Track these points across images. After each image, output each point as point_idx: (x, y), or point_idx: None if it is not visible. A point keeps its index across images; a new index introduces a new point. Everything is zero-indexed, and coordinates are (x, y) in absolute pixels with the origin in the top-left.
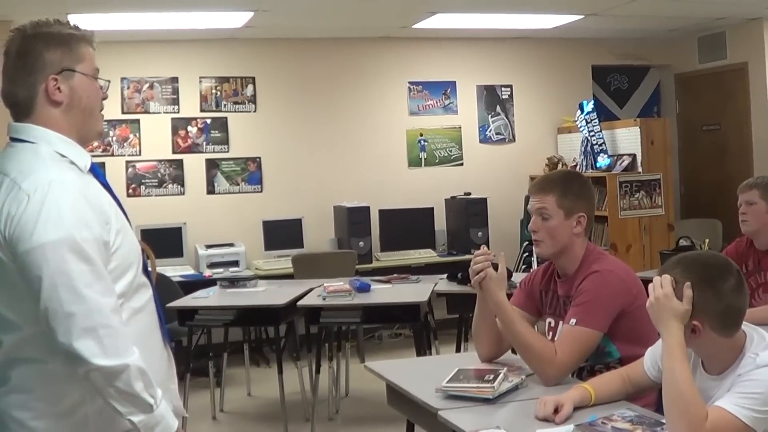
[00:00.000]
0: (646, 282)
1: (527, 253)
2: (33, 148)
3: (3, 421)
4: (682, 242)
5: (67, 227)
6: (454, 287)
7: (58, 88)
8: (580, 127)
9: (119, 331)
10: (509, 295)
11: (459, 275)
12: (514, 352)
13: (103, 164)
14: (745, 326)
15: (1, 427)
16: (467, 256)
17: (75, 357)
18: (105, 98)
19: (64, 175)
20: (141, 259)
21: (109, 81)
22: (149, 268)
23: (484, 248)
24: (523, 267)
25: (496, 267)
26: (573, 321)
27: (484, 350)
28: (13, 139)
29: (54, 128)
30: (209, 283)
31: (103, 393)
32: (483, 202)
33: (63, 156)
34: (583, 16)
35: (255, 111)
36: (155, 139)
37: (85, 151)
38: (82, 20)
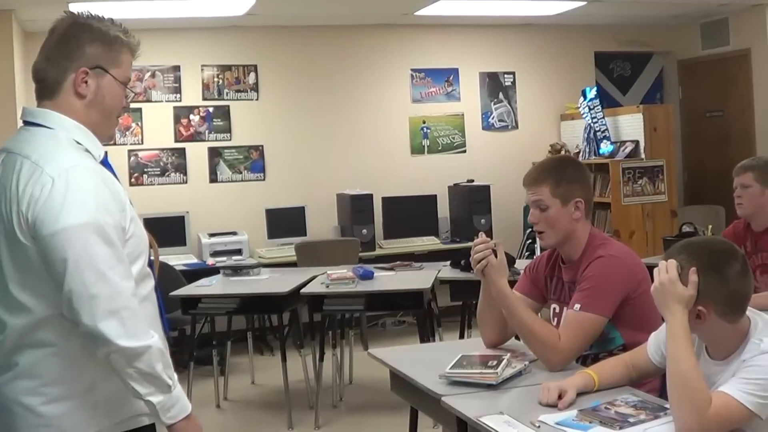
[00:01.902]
0: (650, 268)
1: (530, 240)
2: (51, 133)
3: (9, 408)
4: (685, 228)
5: (91, 211)
6: (458, 274)
7: (86, 82)
8: (583, 113)
9: (139, 314)
10: (513, 282)
11: (462, 262)
12: (518, 338)
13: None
14: (750, 312)
15: (7, 414)
16: (470, 243)
17: (99, 338)
18: (127, 107)
19: (86, 161)
20: (148, 250)
21: (135, 93)
22: (152, 258)
23: (482, 236)
24: (527, 254)
25: (496, 255)
26: (577, 306)
27: (489, 336)
28: (28, 123)
29: (72, 117)
30: (212, 271)
31: (123, 374)
32: (486, 189)
33: (79, 144)
34: (585, 3)
35: (257, 99)
36: (157, 127)
37: (99, 142)
38: (84, 9)
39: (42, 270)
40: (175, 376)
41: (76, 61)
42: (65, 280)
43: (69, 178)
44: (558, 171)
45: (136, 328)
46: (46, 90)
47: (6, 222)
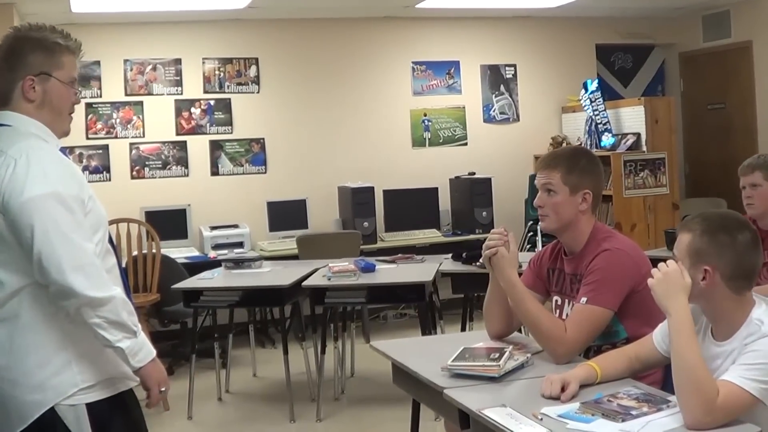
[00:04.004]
0: (653, 260)
1: (532, 233)
2: (10, 129)
3: None
4: None
5: (52, 183)
6: (459, 267)
7: (33, 88)
8: (585, 106)
9: (102, 270)
10: (519, 275)
11: (464, 255)
12: (520, 330)
13: (106, 146)
14: (756, 295)
15: None
16: (472, 236)
17: (68, 291)
18: (77, 103)
19: (44, 144)
20: (107, 228)
21: (81, 90)
22: (114, 241)
23: (502, 228)
24: (528, 247)
25: (508, 248)
26: (584, 299)
27: (494, 327)
28: None
29: (26, 116)
30: (214, 264)
31: (92, 324)
32: (487, 181)
33: (35, 135)
34: None
35: (258, 92)
36: (159, 120)
37: (54, 135)
38: (86, 3)
39: (13, 243)
40: (139, 324)
41: (21, 70)
42: (34, 243)
43: (30, 156)
44: (572, 160)
45: (100, 280)
46: (1, 100)
47: None
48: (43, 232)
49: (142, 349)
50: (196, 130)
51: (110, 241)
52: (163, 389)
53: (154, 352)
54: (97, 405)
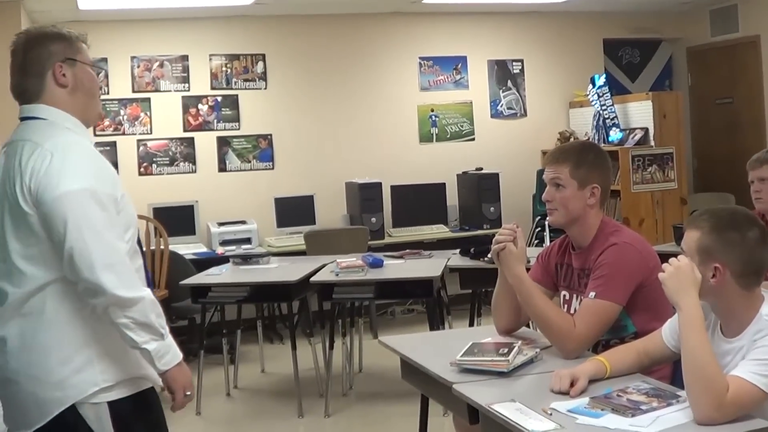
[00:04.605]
0: (661, 255)
1: (539, 228)
2: (46, 122)
3: (14, 380)
4: None
5: (87, 179)
6: (467, 262)
7: (63, 74)
8: (592, 101)
9: (132, 270)
10: (527, 270)
11: (472, 250)
12: (528, 325)
13: (114, 143)
14: (765, 291)
15: (14, 386)
16: (479, 232)
17: (98, 290)
18: (101, 87)
19: (81, 139)
20: (137, 228)
21: (102, 70)
22: (140, 238)
23: (513, 224)
24: (536, 242)
25: (516, 244)
26: (592, 294)
27: (502, 323)
28: (25, 118)
29: (61, 107)
30: (222, 260)
31: (120, 325)
32: (495, 177)
33: (69, 129)
34: None
35: (266, 88)
36: (166, 117)
37: (87, 131)
38: (93, 0)
39: (42, 237)
40: (167, 327)
41: (48, 60)
42: (66, 239)
43: (66, 152)
44: (580, 154)
45: (130, 280)
46: (32, 95)
47: (10, 197)
48: (76, 228)
49: (168, 351)
50: (204, 127)
51: (138, 241)
52: (188, 393)
53: (180, 356)
54: (118, 403)
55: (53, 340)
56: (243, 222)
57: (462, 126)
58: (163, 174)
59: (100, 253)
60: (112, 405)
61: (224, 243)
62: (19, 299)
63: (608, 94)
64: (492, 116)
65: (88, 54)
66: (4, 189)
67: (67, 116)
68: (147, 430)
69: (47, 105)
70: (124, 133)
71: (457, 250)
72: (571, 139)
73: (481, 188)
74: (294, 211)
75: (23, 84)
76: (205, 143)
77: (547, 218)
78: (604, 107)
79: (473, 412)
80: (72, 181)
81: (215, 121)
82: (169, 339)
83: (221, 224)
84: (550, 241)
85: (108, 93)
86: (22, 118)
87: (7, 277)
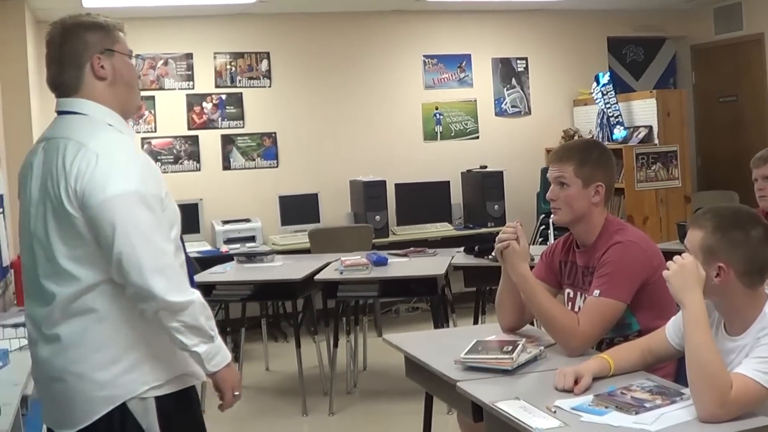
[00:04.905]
0: (665, 253)
1: (544, 226)
2: (86, 118)
3: (61, 378)
4: None
5: (134, 181)
6: (471, 260)
7: (102, 66)
8: (596, 99)
9: (181, 273)
10: (531, 268)
11: (476, 248)
12: (532, 323)
13: None
14: None
15: (59, 384)
16: (484, 230)
17: (148, 295)
18: (139, 77)
19: (125, 137)
20: (179, 224)
21: (140, 59)
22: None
23: (516, 222)
24: (540, 240)
25: (519, 242)
26: (597, 292)
27: (506, 320)
28: (62, 113)
29: (100, 101)
30: (226, 258)
31: (170, 328)
32: (499, 175)
33: (110, 125)
34: None
35: (270, 86)
36: (170, 115)
37: (127, 125)
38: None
39: (89, 239)
40: (216, 328)
41: (86, 52)
42: (114, 243)
43: (112, 152)
44: (585, 152)
45: (180, 284)
46: (69, 89)
47: (54, 198)
48: (124, 233)
49: (218, 353)
50: (208, 125)
51: (180, 237)
52: (237, 393)
53: (229, 357)
54: (164, 398)
55: (105, 339)
56: (247, 220)
57: (466, 124)
58: (167, 172)
59: (149, 258)
60: (158, 399)
61: (228, 241)
62: (67, 299)
63: (612, 92)
64: (496, 114)
65: (125, 43)
66: (46, 188)
67: (107, 110)
68: (188, 426)
69: (86, 99)
70: None
71: (462, 248)
72: (576, 137)
73: (486, 186)
74: (298, 209)
75: (60, 77)
76: (210, 141)
77: (552, 217)
78: (608, 105)
79: (477, 410)
80: (119, 183)
81: (219, 119)
82: (219, 340)
83: (225, 222)
84: (554, 239)
85: None
86: (60, 112)
87: (53, 277)
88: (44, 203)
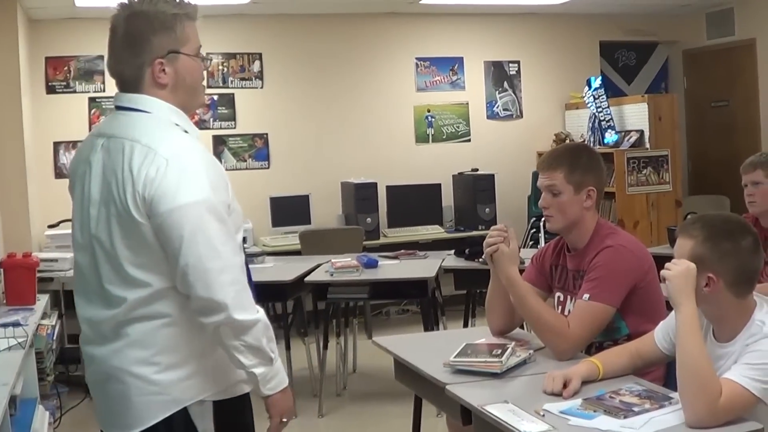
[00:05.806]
0: (655, 257)
1: (535, 230)
2: (150, 116)
3: (119, 377)
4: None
5: (205, 190)
6: (462, 263)
7: (164, 71)
8: (588, 103)
9: (248, 288)
10: (520, 272)
11: (466, 251)
12: (522, 327)
13: None
14: (756, 295)
15: (117, 383)
16: (475, 233)
17: (213, 310)
18: (206, 69)
19: (194, 142)
20: (243, 225)
21: (210, 58)
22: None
23: (502, 225)
24: (531, 243)
25: (509, 244)
26: (586, 296)
27: (496, 324)
28: (123, 108)
29: (162, 98)
30: None
31: (229, 346)
32: (490, 178)
33: (177, 125)
34: None
35: (262, 87)
36: None
37: (192, 124)
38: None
39: (155, 247)
40: (276, 350)
41: (148, 55)
42: (181, 254)
43: (182, 159)
44: (574, 158)
45: (247, 301)
46: (129, 84)
47: (119, 203)
48: (193, 244)
49: (276, 376)
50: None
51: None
52: (285, 420)
53: (286, 381)
54: (221, 403)
55: (172, 343)
56: None
57: (458, 127)
58: None
59: (216, 272)
60: (216, 404)
61: None
62: (137, 303)
63: (604, 96)
64: (488, 117)
65: (196, 38)
66: (110, 191)
67: (172, 108)
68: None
69: (149, 96)
70: None
71: (452, 251)
72: (567, 141)
73: (477, 189)
74: (289, 210)
75: (120, 70)
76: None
77: (546, 225)
78: (599, 109)
79: (466, 413)
80: (189, 193)
81: (211, 119)
82: (278, 363)
83: None
84: (545, 242)
85: (104, 90)
86: (119, 107)
87: (121, 282)
88: (107, 206)
